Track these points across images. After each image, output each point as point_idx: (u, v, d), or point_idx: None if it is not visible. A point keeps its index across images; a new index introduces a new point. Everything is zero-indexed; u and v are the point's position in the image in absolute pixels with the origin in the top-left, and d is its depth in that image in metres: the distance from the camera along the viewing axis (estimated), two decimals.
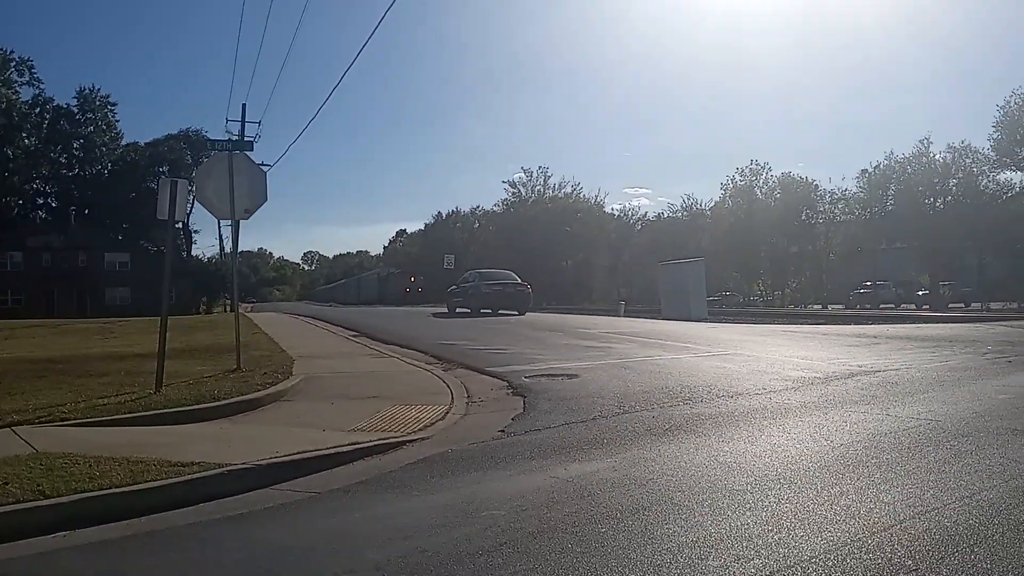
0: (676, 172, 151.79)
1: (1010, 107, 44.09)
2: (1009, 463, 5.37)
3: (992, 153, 46.43)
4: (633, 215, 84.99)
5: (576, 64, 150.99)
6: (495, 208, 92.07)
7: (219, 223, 67.34)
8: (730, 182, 65.94)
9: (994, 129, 45.23)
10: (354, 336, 20.97)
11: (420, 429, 7.32)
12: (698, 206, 73.61)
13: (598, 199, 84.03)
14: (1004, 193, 47.97)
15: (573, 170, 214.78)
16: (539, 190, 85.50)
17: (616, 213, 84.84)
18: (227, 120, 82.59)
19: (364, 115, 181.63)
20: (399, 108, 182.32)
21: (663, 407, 8.24)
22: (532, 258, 71.81)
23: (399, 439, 6.85)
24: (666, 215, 79.38)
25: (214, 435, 7.02)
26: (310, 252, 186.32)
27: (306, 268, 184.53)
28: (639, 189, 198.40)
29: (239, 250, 15.07)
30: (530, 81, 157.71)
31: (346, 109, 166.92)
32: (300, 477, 5.68)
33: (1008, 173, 47.51)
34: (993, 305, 41.00)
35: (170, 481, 5.20)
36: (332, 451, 6.24)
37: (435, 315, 31.41)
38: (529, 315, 29.51)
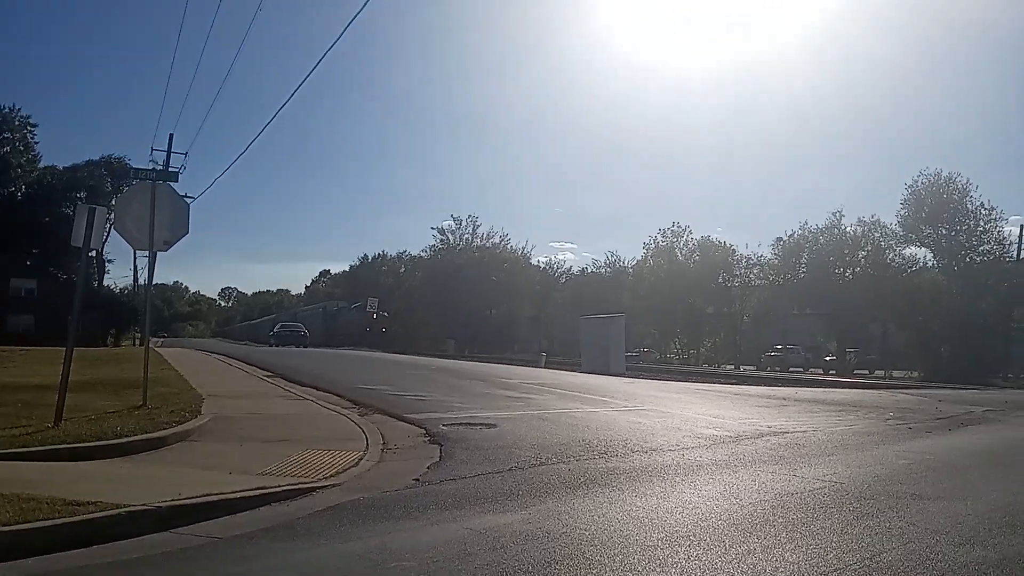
0: (601, 229, 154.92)
1: (917, 186, 46.57)
2: (907, 526, 5.56)
3: (899, 229, 48.84)
4: (558, 268, 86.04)
5: (512, 120, 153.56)
6: (423, 254, 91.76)
7: (135, 253, 65.11)
8: (652, 242, 67.56)
9: (902, 206, 47.67)
10: (269, 376, 20.44)
11: (331, 475, 7.15)
12: (621, 263, 75.12)
13: (525, 251, 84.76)
14: (908, 267, 50.36)
15: (502, 221, 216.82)
16: (467, 238, 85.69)
17: (542, 265, 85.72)
18: (153, 149, 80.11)
19: (292, 153, 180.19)
20: (328, 148, 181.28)
21: (580, 460, 8.27)
22: (458, 305, 71.78)
23: (309, 485, 6.66)
24: (590, 270, 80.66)
25: (113, 474, 6.72)
26: (228, 288, 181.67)
27: (223, 304, 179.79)
28: (565, 244, 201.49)
29: (154, 282, 14.61)
30: (465, 132, 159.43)
31: (275, 146, 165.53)
32: (202, 521, 5.45)
33: (913, 248, 50.00)
34: (896, 373, 42.81)
35: (62, 521, 4.92)
36: (237, 495, 6.03)
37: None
38: (452, 362, 30.01)
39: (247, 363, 27.71)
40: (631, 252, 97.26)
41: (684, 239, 65.91)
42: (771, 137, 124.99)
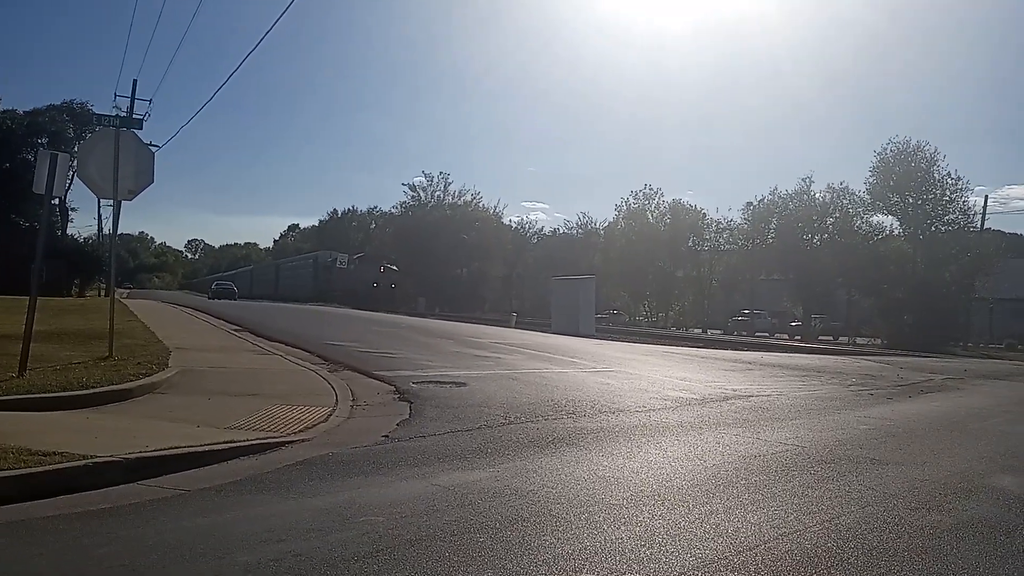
0: (574, 189, 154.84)
1: (886, 154, 47.01)
2: (866, 490, 5.71)
3: (867, 196, 49.38)
4: (530, 228, 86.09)
5: (488, 75, 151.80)
6: (394, 210, 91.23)
7: (99, 202, 63.74)
8: (624, 204, 67.77)
9: (870, 174, 48.14)
10: (237, 330, 20.30)
11: (301, 430, 7.15)
12: (593, 225, 75.37)
13: (497, 210, 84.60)
14: (875, 235, 51.06)
15: (474, 179, 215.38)
16: (439, 195, 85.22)
17: (514, 225, 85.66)
18: (116, 95, 78.10)
19: (262, 103, 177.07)
20: (299, 99, 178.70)
21: (548, 419, 8.35)
22: (429, 263, 71.55)
23: (278, 440, 6.66)
24: (561, 231, 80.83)
25: (79, 425, 6.65)
26: (195, 240, 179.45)
27: (189, 256, 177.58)
28: (537, 203, 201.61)
29: (119, 232, 14.37)
30: (438, 86, 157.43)
31: (243, 95, 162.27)
32: (170, 474, 5.44)
33: (880, 216, 50.67)
34: (859, 340, 43.62)
35: (28, 471, 4.89)
36: (205, 448, 6.02)
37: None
38: (421, 320, 30.04)
39: (214, 316, 27.47)
40: (603, 214, 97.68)
41: (656, 202, 66.22)
42: (748, 100, 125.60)
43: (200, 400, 8.57)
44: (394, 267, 73.65)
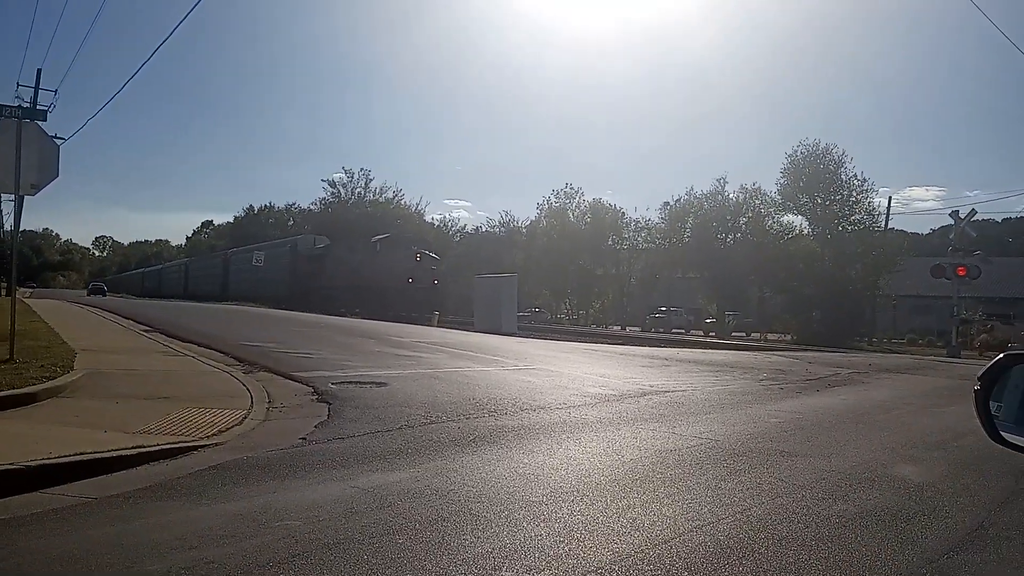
0: (497, 188, 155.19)
1: (796, 156, 48.56)
2: (776, 482, 5.91)
3: (778, 197, 51.00)
4: (452, 226, 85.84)
5: (411, 73, 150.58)
6: (312, 207, 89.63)
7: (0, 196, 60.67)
8: (546, 203, 68.31)
9: (781, 175, 49.70)
10: (147, 331, 19.62)
11: (214, 434, 6.95)
12: (515, 223, 75.60)
13: (419, 207, 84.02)
14: (786, 234, 52.81)
15: (395, 176, 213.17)
16: (360, 192, 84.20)
17: (436, 223, 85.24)
18: (18, 84, 74.19)
19: (174, 96, 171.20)
20: (213, 93, 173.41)
21: (469, 418, 8.35)
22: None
23: (190, 444, 6.46)
24: (484, 229, 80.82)
25: None
26: (103, 237, 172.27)
27: (97, 254, 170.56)
28: (459, 201, 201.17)
29: (21, 228, 13.71)
30: (358, 84, 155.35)
31: (155, 87, 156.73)
32: (75, 481, 5.22)
33: (790, 216, 52.43)
34: (770, 336, 45.03)
35: None
36: (113, 454, 5.79)
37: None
38: (342, 320, 29.59)
39: (123, 316, 26.49)
40: (526, 212, 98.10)
41: (576, 201, 66.94)
42: (668, 101, 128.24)
43: (108, 404, 8.25)
44: (434, 255, 61.52)
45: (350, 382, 10.67)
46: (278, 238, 78.67)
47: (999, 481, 6.22)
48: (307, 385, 10.26)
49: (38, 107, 29.72)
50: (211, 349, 14.88)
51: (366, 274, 46.36)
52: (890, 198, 75.33)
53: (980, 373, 2.27)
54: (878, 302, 48.22)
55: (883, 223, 48.09)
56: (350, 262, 48.54)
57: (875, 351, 32.59)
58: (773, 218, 53.28)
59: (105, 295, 72.57)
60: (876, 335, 46.23)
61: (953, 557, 4.32)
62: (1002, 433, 2.22)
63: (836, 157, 47.81)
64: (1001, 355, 2.28)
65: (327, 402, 9.01)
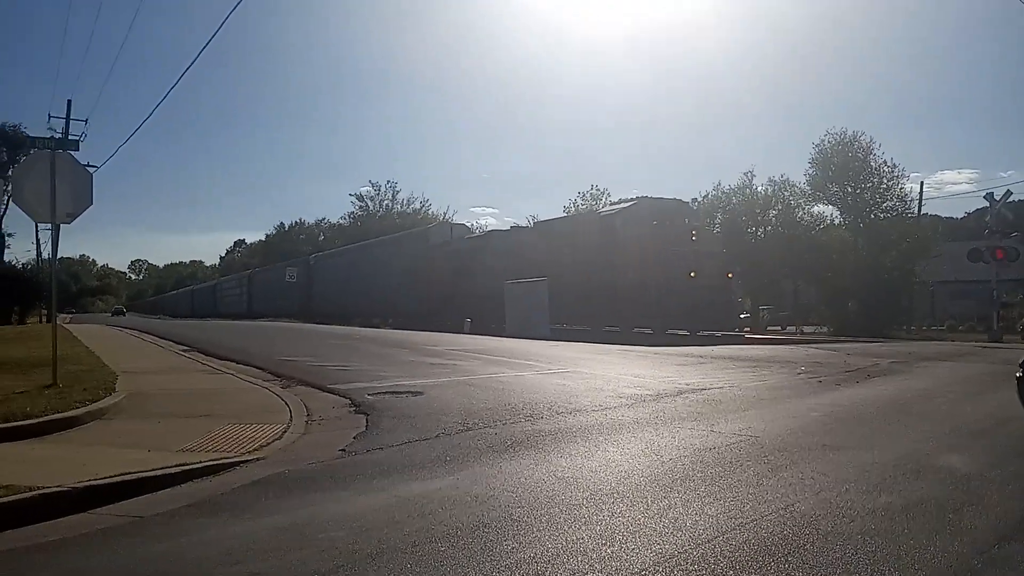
0: (521, 192, 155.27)
1: (824, 145, 47.94)
2: (819, 476, 5.83)
3: (807, 187, 50.39)
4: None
5: (426, 82, 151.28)
6: (342, 221, 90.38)
7: (37, 226, 61.84)
8: (573, 205, 68.13)
9: (810, 165, 49.09)
10: (185, 351, 19.91)
11: (255, 449, 7.04)
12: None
13: (446, 216, 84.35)
14: (817, 225, 52.15)
15: (422, 186, 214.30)
16: (387, 204, 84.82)
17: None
18: (50, 116, 75.79)
19: (202, 119, 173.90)
20: (241, 113, 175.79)
21: (505, 424, 8.36)
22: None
23: (232, 460, 6.55)
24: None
25: (24, 456, 6.46)
26: (138, 260, 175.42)
27: (133, 277, 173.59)
28: (486, 208, 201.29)
29: (59, 256, 14.00)
30: (382, 94, 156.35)
31: (182, 111, 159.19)
32: (121, 501, 5.32)
33: (821, 206, 51.75)
34: (806, 329, 44.48)
35: None
36: (157, 473, 5.89)
37: None
38: (376, 331, 29.84)
39: (161, 337, 26.91)
40: (551, 215, 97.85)
41: (603, 202, 66.66)
42: (685, 99, 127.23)
43: (150, 424, 8.39)
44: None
45: (386, 392, 10.73)
46: (310, 254, 78.49)
47: None
48: (344, 397, 10.35)
49: (70, 137, 30.43)
50: (248, 365, 15.06)
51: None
52: (922, 183, 74.00)
53: (1023, 359, 2.23)
54: (915, 289, 47.37)
55: (916, 209, 47.32)
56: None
57: (914, 339, 32.06)
58: (804, 209, 52.58)
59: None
60: (915, 323, 45.44)
61: (1004, 547, 4.24)
62: None
63: (864, 144, 47.10)
64: None
65: (364, 413, 9.08)
